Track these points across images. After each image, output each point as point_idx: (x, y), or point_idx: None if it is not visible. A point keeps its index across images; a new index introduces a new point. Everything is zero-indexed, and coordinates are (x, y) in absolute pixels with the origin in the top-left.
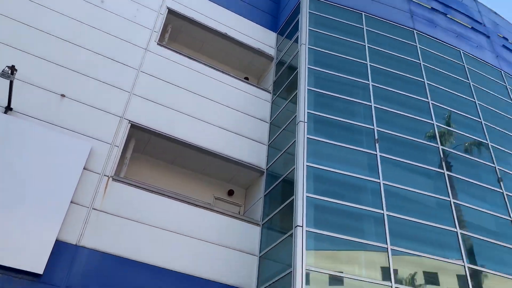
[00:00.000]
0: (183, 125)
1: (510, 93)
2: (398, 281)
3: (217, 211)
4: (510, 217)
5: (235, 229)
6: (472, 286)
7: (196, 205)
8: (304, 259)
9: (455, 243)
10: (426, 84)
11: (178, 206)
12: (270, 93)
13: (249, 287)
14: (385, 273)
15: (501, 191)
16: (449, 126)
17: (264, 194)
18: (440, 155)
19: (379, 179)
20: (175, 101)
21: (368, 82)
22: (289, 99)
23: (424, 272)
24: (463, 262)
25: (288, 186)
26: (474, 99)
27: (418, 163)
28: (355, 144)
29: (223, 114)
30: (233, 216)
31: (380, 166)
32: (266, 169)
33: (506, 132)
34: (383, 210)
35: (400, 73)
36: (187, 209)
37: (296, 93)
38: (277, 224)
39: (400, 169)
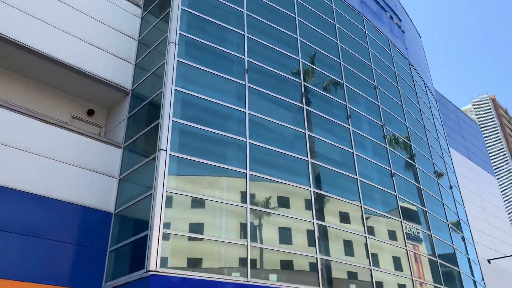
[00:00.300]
0: (35, 31)
1: (367, 39)
2: (255, 203)
3: (75, 131)
4: (352, 149)
5: (94, 151)
6: (316, 208)
7: (51, 123)
8: (166, 182)
9: (305, 171)
10: (296, 20)
11: (28, 123)
12: (141, 8)
13: (107, 208)
14: (244, 196)
15: (348, 127)
16: (313, 64)
17: (128, 116)
18: (301, 91)
19: (245, 108)
20: (26, 2)
21: (243, 10)
22: (161, 17)
23: (278, 196)
24: (310, 187)
25: (154, 109)
26: (337, 40)
27: (282, 97)
28: (225, 72)
29: (84, 25)
30: (92, 137)
31: (247, 96)
32: (132, 90)
33: (359, 74)
34: (246, 138)
35: (275, 5)
36: (39, 126)
37: (169, 11)
38: (140, 147)
39: (265, 100)
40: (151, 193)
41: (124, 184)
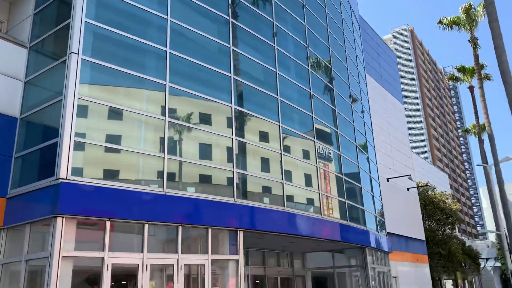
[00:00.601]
0: None
1: None
2: (176, 118)
3: None
4: (275, 69)
5: None
6: (236, 126)
7: None
8: (77, 88)
9: (228, 87)
10: None
11: None
12: None
13: (11, 113)
14: (164, 110)
15: (273, 45)
16: None
17: (34, 12)
18: (229, 2)
19: (167, 15)
20: None
21: None
22: None
23: (200, 113)
24: (232, 104)
25: (64, 7)
26: None
27: (208, 6)
28: None
29: None
30: None
31: (170, 2)
32: None
33: None
34: (166, 47)
35: None
36: None
37: None
38: (49, 48)
39: (189, 9)
40: (61, 99)
41: (31, 88)
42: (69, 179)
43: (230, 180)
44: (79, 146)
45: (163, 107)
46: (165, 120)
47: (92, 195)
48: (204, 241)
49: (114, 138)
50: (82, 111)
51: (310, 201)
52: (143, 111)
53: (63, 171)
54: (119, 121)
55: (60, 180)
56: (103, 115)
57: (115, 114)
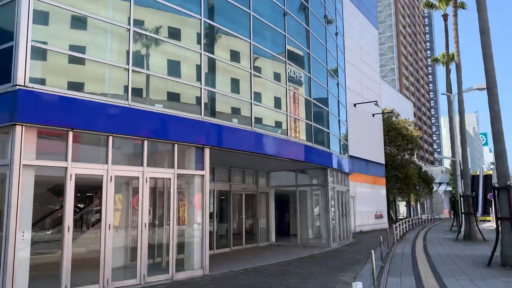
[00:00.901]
0: None
1: None
2: (144, 29)
3: None
4: None
5: None
6: (205, 43)
7: None
8: None
9: None
10: None
11: None
12: None
13: None
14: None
15: None
16: None
17: None
18: None
19: None
20: None
21: None
22: None
23: (169, 26)
24: (201, 16)
25: None
26: None
27: None
28: None
29: None
30: None
31: None
32: None
33: None
34: None
35: None
36: None
37: None
38: None
39: None
40: None
41: None
42: (27, 86)
43: (198, 99)
44: (39, 54)
45: (129, 18)
46: (129, 30)
47: (53, 105)
48: (171, 156)
49: (77, 48)
50: (43, 17)
51: (278, 123)
52: (109, 19)
53: (21, 77)
54: (82, 30)
55: (18, 87)
56: (65, 23)
57: (78, 22)
